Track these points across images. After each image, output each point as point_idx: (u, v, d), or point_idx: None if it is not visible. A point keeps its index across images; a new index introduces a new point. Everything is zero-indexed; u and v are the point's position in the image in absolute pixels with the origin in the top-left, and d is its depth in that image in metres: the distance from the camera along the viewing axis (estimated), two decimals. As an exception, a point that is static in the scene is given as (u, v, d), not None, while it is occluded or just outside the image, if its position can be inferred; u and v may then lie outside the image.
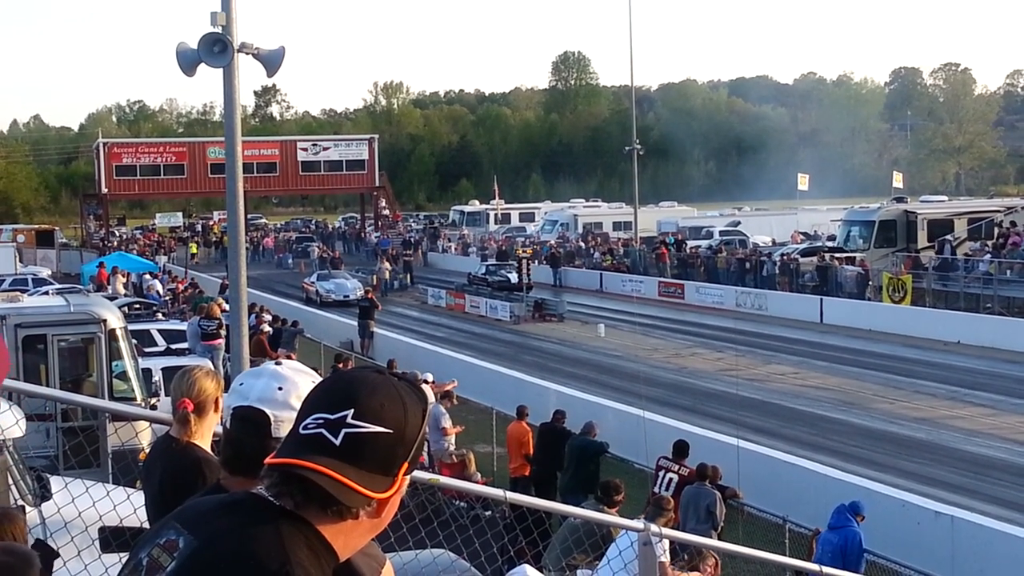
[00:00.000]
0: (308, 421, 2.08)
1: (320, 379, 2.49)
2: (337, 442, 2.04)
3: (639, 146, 64.97)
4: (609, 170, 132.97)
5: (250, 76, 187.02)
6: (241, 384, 2.96)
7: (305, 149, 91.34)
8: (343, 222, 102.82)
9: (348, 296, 48.23)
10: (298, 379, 2.82)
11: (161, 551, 2.17)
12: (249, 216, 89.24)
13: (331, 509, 2.06)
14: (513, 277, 51.83)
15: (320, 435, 2.05)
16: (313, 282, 52.44)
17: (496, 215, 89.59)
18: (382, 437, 2.06)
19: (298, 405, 2.23)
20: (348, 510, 2.06)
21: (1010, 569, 14.56)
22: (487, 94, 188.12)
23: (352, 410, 2.06)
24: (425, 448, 20.25)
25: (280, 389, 2.83)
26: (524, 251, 62.74)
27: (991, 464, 22.04)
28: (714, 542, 11.05)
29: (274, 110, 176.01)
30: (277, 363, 2.93)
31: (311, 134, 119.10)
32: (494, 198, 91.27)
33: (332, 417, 2.06)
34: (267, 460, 2.08)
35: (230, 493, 2.31)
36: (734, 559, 12.64)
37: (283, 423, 2.77)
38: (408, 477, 2.13)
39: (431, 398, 20.76)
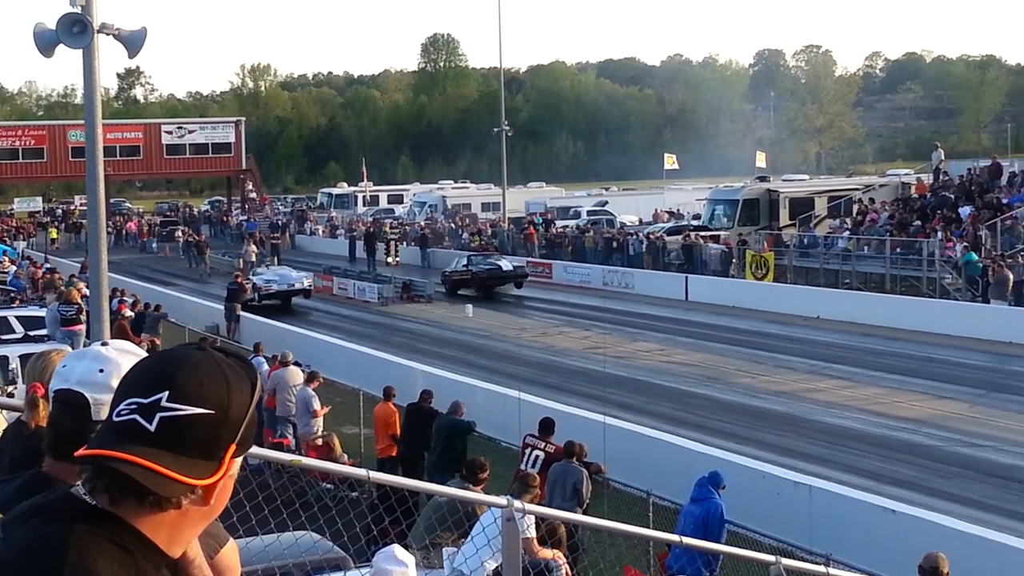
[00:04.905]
0: (121, 407, 1.95)
1: None
2: (152, 428, 1.91)
3: (508, 128, 65.12)
4: (478, 152, 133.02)
5: (112, 58, 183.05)
6: (64, 366, 2.89)
7: (170, 132, 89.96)
8: (210, 206, 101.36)
9: (293, 285, 42.80)
10: (122, 361, 2.73)
11: None
12: (112, 200, 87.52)
13: (148, 500, 1.92)
14: (506, 264, 46.04)
15: (133, 421, 1.92)
16: (248, 280, 43.39)
17: (365, 197, 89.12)
18: (202, 419, 1.93)
19: None
20: (168, 500, 1.93)
21: (865, 535, 14.98)
22: (356, 76, 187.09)
23: (167, 392, 1.92)
24: (292, 432, 20.26)
25: (101, 371, 2.74)
26: (393, 232, 62.57)
27: (848, 435, 22.61)
28: (579, 517, 11.18)
29: (138, 92, 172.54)
30: (103, 344, 2.86)
31: (176, 117, 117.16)
32: (362, 180, 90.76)
33: (146, 401, 1.92)
34: (76, 453, 1.95)
35: (46, 493, 2.23)
36: (599, 533, 12.82)
37: (103, 406, 2.63)
38: (238, 460, 2.01)
39: (298, 380, 20.65)
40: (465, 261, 46.94)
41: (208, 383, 1.95)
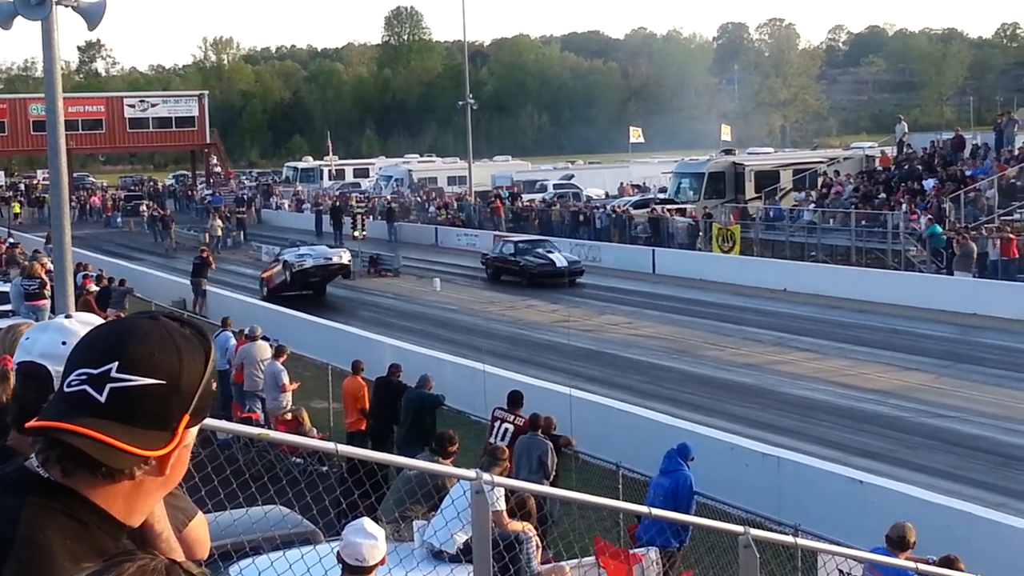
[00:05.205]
0: (72, 378, 1.92)
1: None
2: (102, 399, 1.88)
3: (472, 101, 64.98)
4: (443, 125, 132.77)
5: (72, 30, 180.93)
6: (27, 339, 2.85)
7: (132, 106, 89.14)
8: (174, 180, 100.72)
9: (331, 259, 38.15)
10: (85, 333, 2.72)
11: None
12: (76, 175, 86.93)
13: (100, 472, 1.90)
14: (559, 259, 40.89)
15: (83, 392, 1.89)
16: (275, 262, 39.66)
17: (330, 171, 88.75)
18: (153, 389, 1.90)
19: None
20: (120, 471, 1.90)
21: (833, 505, 15.07)
22: (319, 50, 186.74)
23: (117, 362, 1.90)
24: (261, 406, 20.17)
25: (64, 343, 2.70)
26: (359, 206, 62.39)
27: (815, 406, 22.72)
28: (549, 489, 11.18)
29: (99, 66, 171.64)
30: (67, 317, 2.83)
31: (139, 90, 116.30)
32: (328, 154, 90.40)
33: (95, 371, 1.90)
34: (27, 425, 1.92)
35: (1, 467, 2.19)
36: (568, 505, 12.84)
37: None
38: (193, 430, 1.99)
39: (267, 355, 20.55)
40: (512, 249, 42.28)
41: (159, 353, 1.92)
